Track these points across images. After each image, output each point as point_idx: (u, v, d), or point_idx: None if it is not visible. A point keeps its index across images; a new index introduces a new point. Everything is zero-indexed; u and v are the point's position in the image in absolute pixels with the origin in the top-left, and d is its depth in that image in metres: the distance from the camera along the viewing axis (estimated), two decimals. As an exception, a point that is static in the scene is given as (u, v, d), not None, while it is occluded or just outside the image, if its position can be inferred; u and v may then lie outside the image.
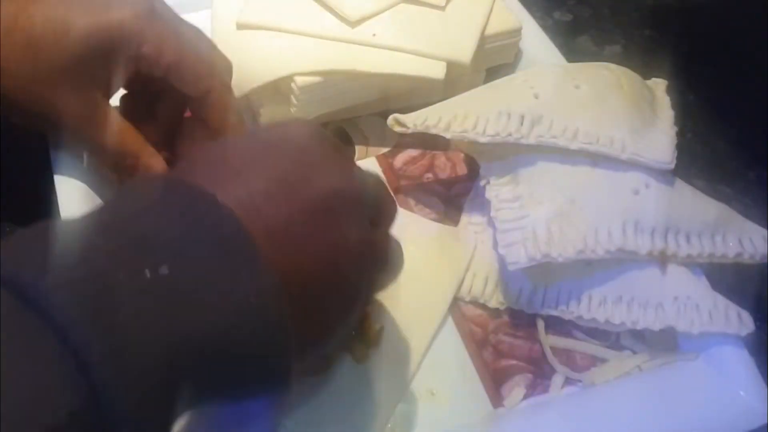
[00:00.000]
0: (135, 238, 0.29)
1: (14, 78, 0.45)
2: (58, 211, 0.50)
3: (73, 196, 0.51)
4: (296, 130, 0.39)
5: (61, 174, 0.52)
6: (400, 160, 0.61)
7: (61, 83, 0.45)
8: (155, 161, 0.49)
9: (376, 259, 0.39)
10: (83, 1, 0.46)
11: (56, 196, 0.51)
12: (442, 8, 0.62)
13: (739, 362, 0.48)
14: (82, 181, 0.52)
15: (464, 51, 0.59)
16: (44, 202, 0.52)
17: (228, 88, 0.51)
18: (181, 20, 0.50)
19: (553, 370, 0.50)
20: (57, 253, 0.28)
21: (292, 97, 0.58)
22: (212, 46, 0.52)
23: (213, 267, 0.30)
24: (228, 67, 0.52)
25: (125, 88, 0.51)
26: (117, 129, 0.48)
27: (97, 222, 0.31)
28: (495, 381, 0.50)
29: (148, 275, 0.28)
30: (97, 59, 0.45)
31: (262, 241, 0.31)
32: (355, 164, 0.40)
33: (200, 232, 0.30)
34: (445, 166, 0.61)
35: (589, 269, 0.51)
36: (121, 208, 0.32)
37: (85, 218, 0.31)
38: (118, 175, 0.51)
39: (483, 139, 0.51)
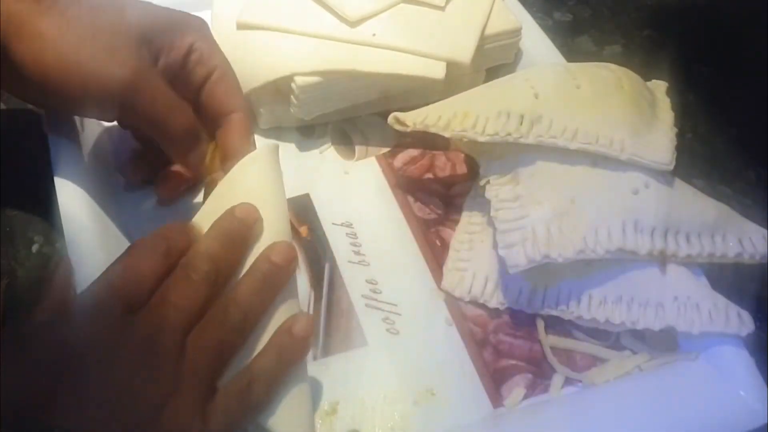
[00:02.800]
0: None
1: (75, 43, 0.46)
2: (59, 211, 0.50)
3: (73, 197, 0.51)
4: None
5: (61, 175, 0.52)
6: (400, 159, 0.61)
7: (121, 48, 0.47)
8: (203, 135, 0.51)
9: None
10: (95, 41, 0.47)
11: (56, 197, 0.51)
12: (442, 8, 0.62)
13: (739, 362, 0.49)
14: (82, 182, 0.52)
15: (464, 51, 0.59)
16: (44, 202, 0.52)
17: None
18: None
19: (553, 370, 0.50)
20: None
21: (292, 97, 0.58)
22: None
23: None
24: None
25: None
26: (169, 98, 0.49)
27: None
28: (495, 381, 0.50)
29: None
30: (156, 35, 0.49)
31: None
32: None
33: None
34: (445, 166, 0.61)
35: (589, 269, 0.51)
36: None
37: None
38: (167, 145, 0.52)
39: (482, 139, 0.51)
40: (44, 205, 0.52)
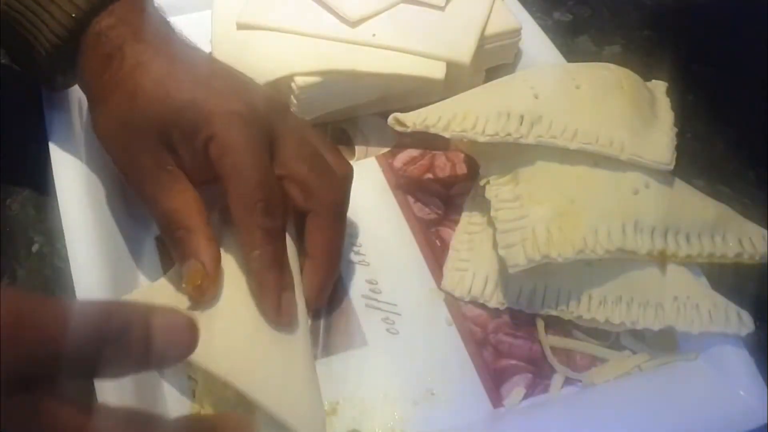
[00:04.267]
0: None
1: (114, 121, 0.48)
2: (59, 211, 0.50)
3: (74, 197, 0.51)
4: None
5: (62, 175, 0.52)
6: (400, 160, 0.61)
7: (142, 137, 0.47)
8: (207, 243, 0.47)
9: None
10: (197, 80, 0.48)
11: (57, 197, 0.51)
12: (442, 8, 0.62)
13: (739, 362, 0.49)
14: (82, 182, 0.52)
15: (464, 51, 0.59)
16: (45, 202, 0.52)
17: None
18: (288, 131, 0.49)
19: (553, 370, 0.50)
20: None
21: (292, 97, 0.58)
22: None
23: None
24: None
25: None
26: (180, 197, 0.47)
27: None
28: (495, 381, 0.50)
29: None
30: (178, 132, 0.47)
31: None
32: None
33: None
34: (445, 166, 0.61)
35: (589, 269, 0.51)
36: None
37: None
38: (166, 245, 0.49)
39: (482, 139, 0.51)
40: (44, 205, 0.52)
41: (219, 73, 0.50)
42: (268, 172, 0.47)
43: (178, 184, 0.48)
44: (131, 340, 0.34)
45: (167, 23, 0.52)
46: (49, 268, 0.54)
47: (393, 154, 0.61)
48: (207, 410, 0.47)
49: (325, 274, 0.50)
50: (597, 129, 0.51)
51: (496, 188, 0.52)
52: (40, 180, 0.53)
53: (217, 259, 0.47)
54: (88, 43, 0.49)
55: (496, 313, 0.53)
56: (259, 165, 0.47)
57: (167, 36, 0.51)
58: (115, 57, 0.48)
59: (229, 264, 0.48)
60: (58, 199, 0.50)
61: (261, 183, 0.46)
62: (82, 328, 0.32)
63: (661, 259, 0.50)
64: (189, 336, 0.36)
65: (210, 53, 0.55)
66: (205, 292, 0.46)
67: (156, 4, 0.52)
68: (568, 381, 0.50)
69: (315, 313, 0.51)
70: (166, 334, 0.35)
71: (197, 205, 0.48)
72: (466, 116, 0.51)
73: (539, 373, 0.50)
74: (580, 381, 0.50)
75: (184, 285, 0.46)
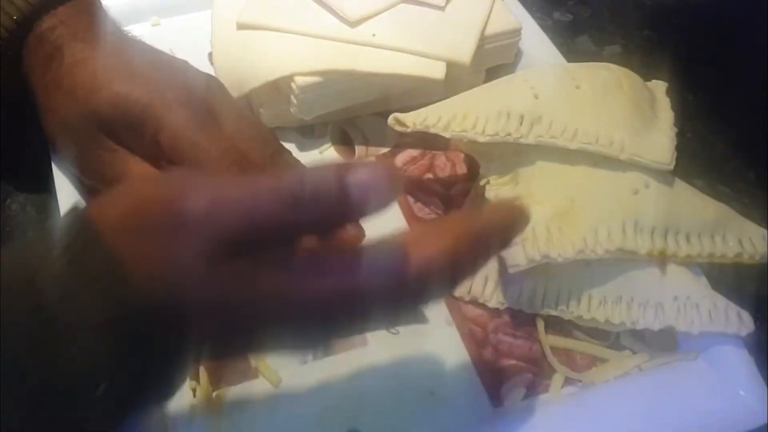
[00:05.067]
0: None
1: (59, 120, 0.49)
2: (59, 212, 0.50)
3: (73, 197, 0.51)
4: None
5: (61, 175, 0.52)
6: (400, 160, 0.61)
7: (86, 132, 0.48)
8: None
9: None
10: (134, 71, 0.49)
11: (56, 197, 0.51)
12: (442, 8, 0.62)
13: (739, 362, 0.49)
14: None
15: (464, 51, 0.59)
16: (45, 202, 0.52)
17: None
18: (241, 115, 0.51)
19: (553, 370, 0.50)
20: None
21: (292, 97, 0.58)
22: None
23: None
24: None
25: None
26: (135, 165, 0.48)
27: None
28: (495, 381, 0.50)
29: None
30: (119, 124, 0.48)
31: None
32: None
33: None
34: (445, 166, 0.61)
35: (589, 269, 0.51)
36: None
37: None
38: None
39: (482, 139, 0.51)
40: (44, 205, 0.52)
41: (156, 64, 0.51)
42: (221, 143, 0.48)
43: (130, 158, 0.48)
44: (329, 200, 0.33)
45: (113, 23, 0.53)
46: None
47: (393, 154, 0.61)
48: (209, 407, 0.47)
49: None
50: (597, 129, 0.51)
51: (497, 188, 0.52)
52: (40, 180, 0.53)
53: None
54: (31, 46, 0.50)
55: (496, 313, 0.53)
56: (214, 135, 0.48)
57: (108, 34, 0.51)
58: (54, 57, 0.49)
59: None
60: (58, 200, 0.50)
61: (221, 156, 0.47)
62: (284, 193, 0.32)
63: (661, 259, 0.50)
64: (387, 185, 0.34)
65: (153, 47, 0.54)
66: None
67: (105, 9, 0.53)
68: (568, 381, 0.50)
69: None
70: (364, 186, 0.33)
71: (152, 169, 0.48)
72: (466, 116, 0.51)
73: (539, 372, 0.50)
74: (580, 381, 0.50)
75: None
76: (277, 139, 0.51)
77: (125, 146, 0.48)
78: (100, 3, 0.54)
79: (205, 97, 0.49)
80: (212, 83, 0.52)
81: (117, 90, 0.47)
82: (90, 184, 0.51)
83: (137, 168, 0.48)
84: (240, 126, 0.50)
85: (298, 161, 0.52)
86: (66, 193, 0.51)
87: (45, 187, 0.53)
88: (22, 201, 0.57)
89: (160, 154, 0.48)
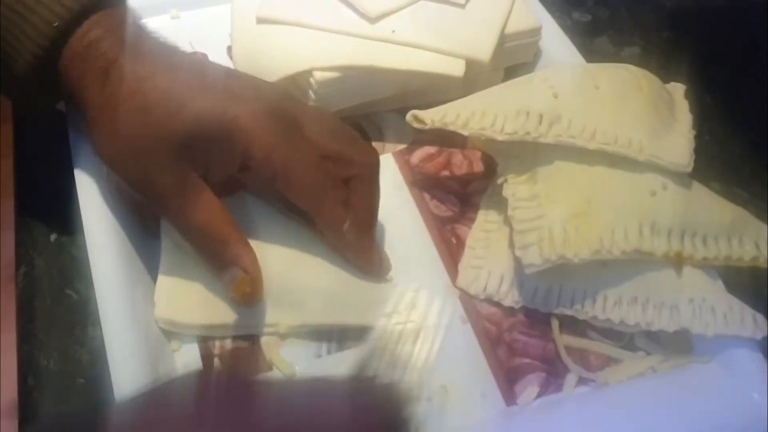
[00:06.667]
0: None
1: (125, 141, 0.46)
2: (78, 202, 0.50)
3: (92, 189, 0.51)
4: None
5: (81, 168, 0.52)
6: (416, 156, 0.61)
7: (160, 155, 0.45)
8: (243, 250, 0.47)
9: None
10: (208, 86, 0.47)
11: (76, 189, 0.51)
12: (462, 6, 0.62)
13: (754, 365, 0.49)
14: (101, 174, 0.52)
15: (484, 49, 0.59)
16: (64, 193, 0.53)
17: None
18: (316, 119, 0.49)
19: (566, 370, 0.50)
20: None
21: (310, 92, 0.58)
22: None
23: None
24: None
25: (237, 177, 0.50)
26: (208, 210, 0.47)
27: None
28: (508, 379, 0.50)
29: None
30: (201, 144, 0.46)
31: None
32: None
33: None
34: (461, 164, 0.61)
35: (605, 269, 0.51)
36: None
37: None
38: (202, 258, 0.49)
39: (501, 137, 0.51)
40: (63, 196, 0.53)
41: (226, 76, 0.49)
42: (313, 154, 0.48)
43: (204, 195, 0.47)
44: None
45: (149, 31, 0.50)
46: (67, 257, 0.54)
47: (410, 150, 0.61)
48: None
49: (372, 232, 0.52)
50: (616, 129, 0.51)
51: (514, 187, 0.52)
52: (60, 172, 0.53)
53: (257, 263, 0.47)
54: (77, 56, 0.47)
55: (510, 311, 0.53)
56: (306, 152, 0.47)
57: (158, 45, 0.49)
58: (111, 71, 0.46)
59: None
60: (77, 191, 0.51)
61: (316, 168, 0.48)
62: None
63: (678, 261, 0.50)
64: None
65: (203, 55, 0.54)
66: (253, 297, 0.47)
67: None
68: (581, 381, 0.50)
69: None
70: None
71: (225, 214, 0.47)
72: (484, 114, 0.52)
73: (553, 372, 0.50)
74: (594, 381, 0.50)
75: (231, 295, 0.47)
76: (351, 130, 0.52)
77: (202, 167, 0.46)
78: (133, 10, 0.50)
79: (282, 104, 0.48)
80: (279, 90, 0.50)
81: (200, 107, 0.45)
82: (148, 205, 0.49)
83: (205, 199, 0.47)
84: (322, 129, 0.49)
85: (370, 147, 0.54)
86: (85, 185, 0.51)
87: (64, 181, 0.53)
88: (41, 192, 0.57)
89: (243, 170, 0.47)
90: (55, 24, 0.46)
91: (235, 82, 0.48)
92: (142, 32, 0.49)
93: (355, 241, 0.50)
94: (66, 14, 0.46)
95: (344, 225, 0.49)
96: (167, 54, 0.49)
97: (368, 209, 0.51)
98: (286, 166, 0.46)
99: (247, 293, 0.47)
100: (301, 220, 0.51)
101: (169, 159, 0.45)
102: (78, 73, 0.47)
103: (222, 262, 0.47)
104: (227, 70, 0.51)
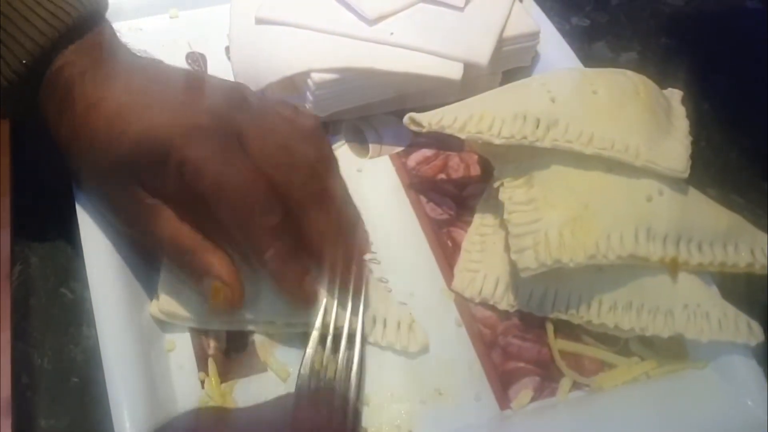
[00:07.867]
0: None
1: (83, 169, 0.49)
2: (74, 202, 0.50)
3: (91, 212, 0.51)
4: None
5: (80, 191, 0.52)
6: (413, 159, 0.61)
7: (111, 180, 0.47)
8: (214, 257, 0.47)
9: None
10: (152, 105, 0.46)
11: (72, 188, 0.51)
12: (461, 9, 0.62)
13: (748, 372, 0.49)
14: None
15: (482, 52, 0.59)
16: (60, 193, 0.52)
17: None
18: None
19: (561, 374, 0.50)
20: None
21: (308, 93, 0.58)
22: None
23: None
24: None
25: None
26: (168, 225, 0.46)
27: None
28: (503, 383, 0.50)
29: None
30: (144, 166, 0.45)
31: None
32: None
33: None
34: (458, 167, 0.61)
35: (600, 274, 0.51)
36: None
37: None
38: (183, 275, 0.49)
39: (498, 141, 0.51)
40: (59, 195, 0.52)
41: (172, 89, 0.48)
42: (248, 173, 0.45)
43: (162, 213, 0.46)
44: None
45: (125, 49, 0.50)
46: (62, 256, 0.54)
47: (407, 153, 0.61)
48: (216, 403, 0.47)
49: (329, 265, 0.49)
50: (613, 134, 0.51)
51: (510, 191, 0.52)
52: (56, 172, 0.53)
53: (231, 266, 0.47)
54: (44, 88, 0.48)
55: (505, 315, 0.53)
56: (239, 170, 0.45)
57: (118, 67, 0.48)
58: (66, 101, 0.47)
59: None
60: (74, 191, 0.51)
61: (247, 188, 0.45)
62: None
63: (673, 267, 0.50)
64: None
65: (163, 62, 0.52)
66: (233, 303, 0.47)
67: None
68: (575, 385, 0.50)
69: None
70: None
71: (185, 227, 0.47)
72: (482, 118, 0.52)
73: (547, 376, 0.50)
74: (588, 385, 0.50)
75: (210, 304, 0.47)
76: (321, 141, 0.49)
77: (161, 192, 0.46)
78: (111, 28, 0.50)
79: (228, 116, 0.46)
80: (235, 96, 0.48)
81: (136, 129, 0.44)
82: (127, 233, 0.49)
83: (164, 216, 0.46)
84: (266, 145, 0.46)
85: (332, 173, 0.50)
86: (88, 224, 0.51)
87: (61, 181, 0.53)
88: (37, 191, 0.57)
89: (187, 187, 0.45)
90: (25, 61, 0.47)
91: (181, 96, 0.47)
92: (105, 54, 0.48)
93: (277, 272, 0.47)
94: (36, 51, 0.47)
95: (267, 253, 0.46)
96: (124, 75, 0.48)
97: (317, 238, 0.47)
98: (215, 183, 0.44)
99: (225, 300, 0.46)
100: None
101: (120, 183, 0.46)
102: (46, 105, 0.48)
103: (196, 272, 0.47)
104: (186, 78, 0.49)
